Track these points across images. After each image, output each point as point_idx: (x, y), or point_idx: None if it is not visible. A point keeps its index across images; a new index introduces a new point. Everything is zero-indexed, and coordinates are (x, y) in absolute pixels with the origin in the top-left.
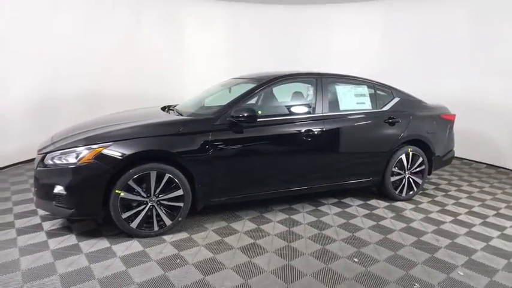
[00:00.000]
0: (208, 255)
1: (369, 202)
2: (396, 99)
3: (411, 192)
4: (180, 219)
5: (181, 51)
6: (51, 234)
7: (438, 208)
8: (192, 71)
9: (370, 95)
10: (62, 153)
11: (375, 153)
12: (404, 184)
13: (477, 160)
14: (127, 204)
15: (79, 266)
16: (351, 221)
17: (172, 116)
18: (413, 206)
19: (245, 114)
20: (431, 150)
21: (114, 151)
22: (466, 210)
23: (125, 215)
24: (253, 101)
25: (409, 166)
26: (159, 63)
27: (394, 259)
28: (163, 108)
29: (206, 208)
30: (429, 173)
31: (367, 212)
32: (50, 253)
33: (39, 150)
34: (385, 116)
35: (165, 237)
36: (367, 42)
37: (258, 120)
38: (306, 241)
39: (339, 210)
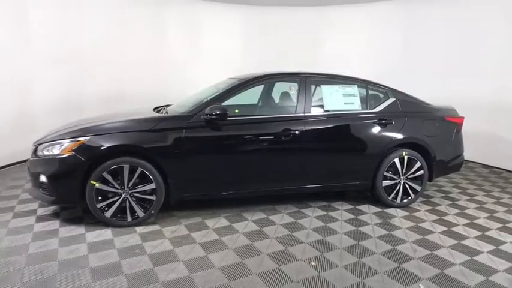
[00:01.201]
0: (168, 247)
1: (359, 207)
2: (391, 100)
3: (407, 199)
4: (152, 211)
5: (198, 55)
6: (40, 218)
7: (434, 218)
8: (208, 73)
9: (361, 95)
10: (49, 145)
11: (362, 156)
12: (399, 190)
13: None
14: (104, 195)
15: (48, 248)
16: (330, 224)
17: (149, 114)
18: (406, 213)
19: (217, 112)
20: (431, 155)
21: (90, 144)
22: (467, 221)
23: (99, 205)
24: (233, 99)
25: (404, 171)
26: (180, 66)
27: (355, 266)
28: (155, 108)
29: (195, 204)
30: (430, 180)
31: (351, 216)
32: (31, 235)
33: (34, 142)
34: (375, 117)
35: (138, 228)
36: (382, 42)
37: (235, 118)
38: (270, 241)
39: (322, 213)
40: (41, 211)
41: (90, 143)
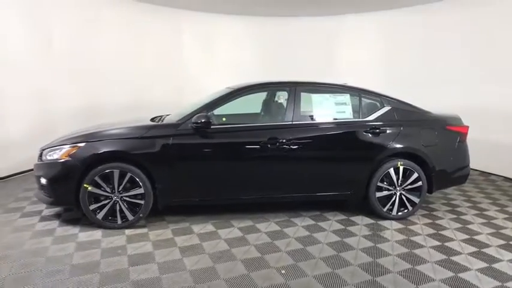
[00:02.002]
0: (149, 250)
1: (352, 218)
2: (386, 109)
3: (404, 212)
4: (141, 215)
5: (213, 65)
6: (43, 218)
7: (431, 232)
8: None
9: (353, 103)
10: (50, 150)
11: (352, 166)
12: (395, 201)
13: None
14: (96, 198)
15: (41, 246)
16: (315, 234)
17: (142, 122)
18: (401, 226)
19: (202, 121)
20: (429, 166)
21: (85, 150)
22: (466, 237)
23: (92, 207)
24: (230, 108)
25: (400, 182)
26: (194, 75)
27: (326, 277)
28: (153, 118)
29: (188, 210)
30: (430, 192)
31: (341, 227)
32: (30, 233)
33: (41, 147)
34: (367, 125)
35: (127, 230)
36: (378, 51)
37: (221, 126)
38: (249, 248)
39: (311, 223)
40: (46, 212)
41: (85, 149)
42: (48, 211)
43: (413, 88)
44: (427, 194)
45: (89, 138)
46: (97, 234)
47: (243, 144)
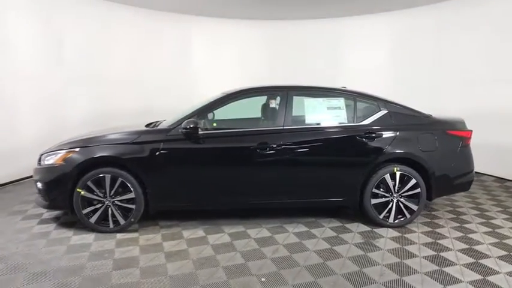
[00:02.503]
0: (135, 254)
1: (347, 225)
2: (382, 112)
3: (402, 219)
4: (132, 219)
5: (220, 70)
6: (42, 221)
7: (428, 240)
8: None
9: (348, 108)
10: (47, 155)
11: (345, 171)
12: (391, 209)
13: None
14: (89, 202)
15: (34, 248)
16: (305, 241)
17: (135, 128)
18: (397, 234)
19: (190, 126)
20: (428, 172)
21: (78, 156)
22: (465, 247)
23: (84, 211)
24: (213, 113)
25: (397, 188)
26: (202, 81)
27: (306, 286)
28: (148, 124)
29: (181, 214)
30: (429, 199)
31: (333, 234)
32: (27, 235)
33: (40, 153)
34: (361, 130)
35: (119, 234)
36: (384, 53)
37: (211, 132)
38: (234, 255)
39: (304, 229)
40: (46, 215)
41: (78, 154)
42: (48, 214)
43: (425, 90)
44: (428, 201)
45: (82, 143)
46: (89, 237)
47: (233, 150)
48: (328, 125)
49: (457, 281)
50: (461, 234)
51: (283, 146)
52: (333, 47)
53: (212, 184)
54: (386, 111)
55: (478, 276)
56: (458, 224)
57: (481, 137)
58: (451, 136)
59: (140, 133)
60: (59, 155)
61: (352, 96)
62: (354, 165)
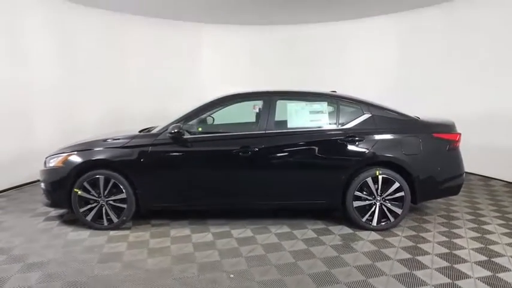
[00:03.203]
0: (121, 249)
1: (331, 227)
2: (365, 116)
3: (385, 223)
4: (124, 218)
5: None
6: (48, 218)
7: (409, 244)
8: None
9: (330, 112)
10: (50, 158)
11: (327, 175)
12: (374, 212)
13: None
14: (86, 202)
15: (33, 242)
16: (284, 242)
17: (126, 133)
18: (379, 237)
19: (175, 131)
20: (412, 175)
21: (75, 158)
22: (445, 251)
23: (82, 210)
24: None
25: (379, 191)
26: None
27: (271, 284)
28: (142, 130)
29: (174, 214)
30: (414, 202)
31: (313, 236)
32: (32, 230)
33: (46, 156)
34: (343, 134)
35: (112, 231)
36: (386, 56)
37: (196, 136)
38: (212, 252)
39: (286, 230)
40: (53, 213)
41: (75, 157)
42: (55, 213)
43: (434, 91)
44: (413, 205)
45: (79, 147)
46: (85, 234)
47: (216, 153)
48: (310, 129)
49: (423, 284)
50: (446, 239)
51: (264, 150)
52: (339, 50)
53: (197, 186)
54: (370, 115)
55: (447, 280)
56: (446, 229)
57: (491, 140)
58: (436, 139)
59: (131, 138)
60: (60, 158)
61: (335, 101)
62: (335, 169)
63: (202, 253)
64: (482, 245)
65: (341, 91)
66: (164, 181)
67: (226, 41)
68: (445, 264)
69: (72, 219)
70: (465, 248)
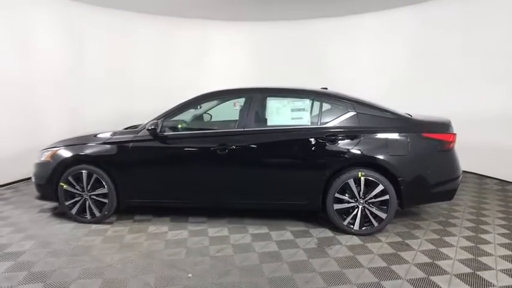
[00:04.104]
0: (96, 243)
1: (312, 230)
2: (349, 114)
3: (369, 227)
4: (106, 213)
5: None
6: (42, 210)
7: (389, 251)
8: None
9: (312, 109)
10: (43, 152)
11: (306, 175)
12: (356, 215)
13: None
14: (72, 195)
15: (24, 231)
16: (256, 243)
17: (109, 130)
18: (359, 243)
19: (151, 128)
20: (397, 178)
21: (61, 153)
22: (426, 261)
23: (67, 203)
24: (181, 116)
25: (362, 194)
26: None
27: (228, 285)
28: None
29: (155, 210)
30: (401, 206)
31: (290, 238)
32: (27, 222)
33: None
34: (323, 132)
35: (95, 225)
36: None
37: (174, 133)
38: (180, 250)
39: (263, 232)
40: (49, 205)
41: (61, 152)
42: (51, 205)
43: (443, 87)
44: (400, 209)
45: (65, 143)
46: (69, 226)
47: (194, 150)
48: (289, 127)
49: None
50: (433, 247)
51: (241, 148)
52: (343, 46)
53: (175, 183)
54: (354, 113)
55: None
56: (437, 236)
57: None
58: (427, 139)
59: (113, 134)
60: (49, 153)
61: (318, 98)
62: (314, 169)
63: (170, 250)
64: (471, 256)
65: (348, 88)
66: (143, 177)
67: (231, 38)
68: (420, 275)
69: (63, 212)
70: (450, 259)
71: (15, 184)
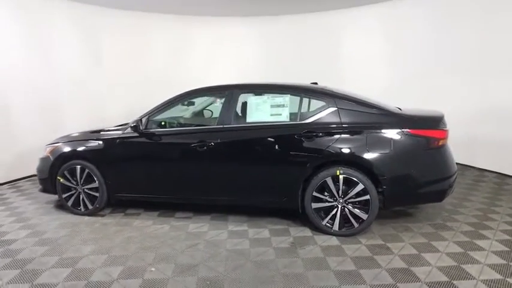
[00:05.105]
0: (82, 234)
1: (291, 228)
2: (330, 110)
3: (350, 228)
4: (97, 206)
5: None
6: (49, 202)
7: (365, 255)
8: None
9: (292, 105)
10: (46, 147)
11: (283, 172)
12: (336, 215)
13: None
14: (68, 189)
15: (22, 221)
16: (230, 240)
17: (105, 128)
18: (335, 244)
19: (134, 125)
20: (377, 177)
21: (58, 149)
22: (402, 267)
23: (64, 195)
24: (165, 113)
25: (341, 193)
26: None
27: (184, 280)
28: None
29: (148, 205)
30: (384, 207)
31: (266, 236)
32: (29, 212)
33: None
34: (301, 129)
35: (88, 217)
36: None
37: (156, 130)
38: (155, 244)
39: (242, 229)
40: (53, 198)
41: (59, 148)
42: (56, 197)
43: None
44: (383, 209)
45: (63, 139)
46: (65, 217)
47: (175, 147)
48: (268, 124)
49: None
50: (415, 252)
51: (219, 145)
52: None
53: (157, 179)
54: (335, 109)
55: None
56: (425, 240)
57: None
58: (412, 136)
59: (102, 131)
60: (49, 148)
61: (298, 93)
62: (292, 166)
63: (145, 244)
64: (455, 264)
65: (359, 82)
66: (128, 173)
67: (240, 34)
68: (387, 281)
69: (62, 204)
70: (429, 265)
71: (35, 177)
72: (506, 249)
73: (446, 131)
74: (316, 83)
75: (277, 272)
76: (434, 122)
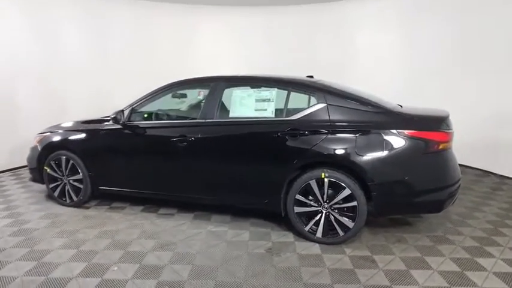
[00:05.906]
0: (63, 225)
1: (274, 232)
2: (318, 106)
3: (335, 236)
4: (81, 197)
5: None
6: (41, 191)
7: (345, 267)
8: None
9: (279, 100)
10: (36, 137)
11: (265, 172)
12: (319, 221)
13: None
14: (54, 179)
15: (10, 209)
16: (206, 241)
17: (93, 118)
18: (316, 252)
19: (114, 116)
20: (366, 182)
21: (46, 139)
22: (384, 284)
23: (50, 185)
24: (150, 105)
25: (326, 198)
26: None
27: (143, 282)
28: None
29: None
30: (376, 215)
31: (243, 239)
32: (21, 197)
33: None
34: (285, 126)
35: (73, 208)
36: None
37: (138, 122)
38: (129, 241)
39: (222, 229)
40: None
41: (46, 138)
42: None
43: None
44: (373, 217)
45: (50, 129)
46: (52, 208)
47: (155, 140)
48: (251, 119)
49: None
50: (404, 268)
51: (200, 140)
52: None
53: (136, 173)
54: (324, 105)
55: None
56: (418, 255)
57: None
58: (408, 138)
59: (87, 122)
60: (38, 138)
61: (286, 87)
62: (273, 166)
63: (118, 240)
64: (446, 285)
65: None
66: (109, 165)
67: (245, 23)
68: None
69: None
70: (415, 284)
71: None
72: (511, 271)
73: (449, 133)
74: (311, 76)
75: (243, 281)
76: (436, 123)
